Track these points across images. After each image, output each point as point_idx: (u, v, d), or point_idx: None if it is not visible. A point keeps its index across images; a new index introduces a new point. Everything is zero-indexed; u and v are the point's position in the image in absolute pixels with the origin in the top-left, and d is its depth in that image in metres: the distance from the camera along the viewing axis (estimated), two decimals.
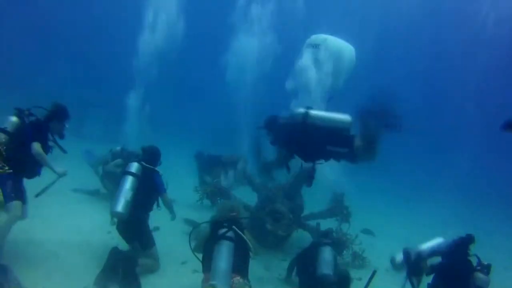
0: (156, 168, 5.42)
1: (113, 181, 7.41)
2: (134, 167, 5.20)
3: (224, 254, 4.22)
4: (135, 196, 5.03)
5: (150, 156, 5.48)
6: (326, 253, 5.32)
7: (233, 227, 4.47)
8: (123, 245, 5.30)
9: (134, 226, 5.15)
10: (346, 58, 8.29)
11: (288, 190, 7.49)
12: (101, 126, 15.58)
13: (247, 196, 8.31)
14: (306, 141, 5.19)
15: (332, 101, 8.06)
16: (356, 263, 7.33)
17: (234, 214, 4.78)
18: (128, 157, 7.62)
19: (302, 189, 7.70)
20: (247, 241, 4.47)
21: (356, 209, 8.15)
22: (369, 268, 7.17)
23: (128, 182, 5.03)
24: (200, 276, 5.46)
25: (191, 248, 4.74)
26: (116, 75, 22.30)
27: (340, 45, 8.32)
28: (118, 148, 8.11)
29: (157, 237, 6.51)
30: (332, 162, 5.62)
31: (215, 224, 4.64)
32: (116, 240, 5.53)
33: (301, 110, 5.30)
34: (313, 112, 5.21)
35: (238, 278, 4.27)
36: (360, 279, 6.46)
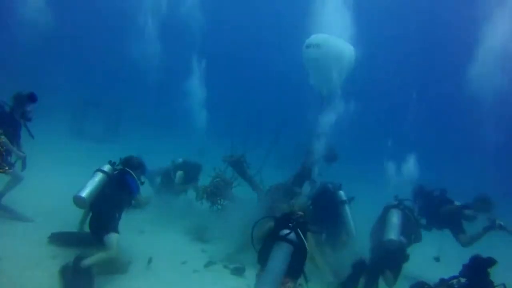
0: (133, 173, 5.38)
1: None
2: (106, 167, 5.32)
3: (279, 257, 4.18)
4: (103, 192, 5.07)
5: (131, 164, 5.49)
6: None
7: (297, 229, 4.39)
8: None
9: (103, 220, 5.00)
10: (346, 57, 8.29)
11: (288, 189, 7.49)
12: (101, 126, 15.62)
13: (247, 196, 8.31)
14: None
15: (331, 100, 8.06)
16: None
17: (301, 214, 4.63)
18: (190, 168, 8.36)
19: (302, 188, 7.69)
20: (307, 246, 4.38)
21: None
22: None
23: (97, 177, 5.13)
24: (200, 276, 5.52)
25: (253, 243, 4.58)
26: (116, 75, 22.41)
27: (340, 45, 8.32)
28: (180, 160, 8.54)
29: (157, 237, 6.57)
30: None
31: (280, 220, 4.56)
32: None
33: None
34: None
35: (289, 283, 4.19)
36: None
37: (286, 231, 4.33)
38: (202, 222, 7.31)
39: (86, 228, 5.27)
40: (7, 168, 3.51)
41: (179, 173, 8.35)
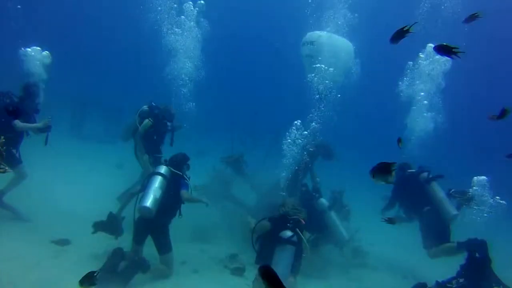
0: (184, 174, 5.37)
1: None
2: (163, 169, 5.24)
3: (285, 260, 4.36)
4: (162, 198, 5.02)
5: (177, 161, 5.45)
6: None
7: (297, 229, 4.53)
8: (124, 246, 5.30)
9: (156, 228, 5.08)
10: (342, 53, 8.30)
11: (287, 186, 7.49)
12: (101, 126, 15.60)
13: (246, 195, 8.32)
14: None
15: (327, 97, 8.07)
16: (356, 261, 7.31)
17: (301, 219, 4.72)
18: (159, 116, 6.80)
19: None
20: (306, 244, 4.57)
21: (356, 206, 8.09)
22: (370, 268, 7.15)
23: (157, 181, 5.05)
24: (200, 276, 5.51)
25: (252, 242, 4.68)
26: (116, 74, 22.39)
27: (335, 41, 8.34)
28: (145, 107, 6.90)
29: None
30: None
31: (279, 221, 4.64)
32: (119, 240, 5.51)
33: None
34: None
35: (291, 278, 4.40)
36: (361, 280, 6.46)
37: (289, 234, 4.45)
38: (202, 222, 7.32)
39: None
40: (7, 168, 3.50)
41: (146, 121, 6.68)
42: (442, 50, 3.15)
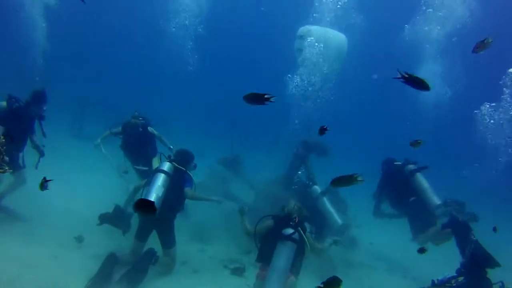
0: (188, 171, 5.39)
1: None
2: (166, 166, 5.23)
3: (286, 256, 4.38)
4: (166, 194, 5.01)
5: (182, 158, 5.49)
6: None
7: (299, 228, 4.57)
8: (123, 245, 5.31)
9: (161, 223, 5.10)
10: (332, 47, 8.33)
11: (285, 183, 7.52)
12: (101, 126, 15.59)
13: (244, 194, 8.33)
14: None
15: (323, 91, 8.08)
16: (355, 259, 7.24)
17: (296, 219, 4.74)
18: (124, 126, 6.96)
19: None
20: (308, 244, 4.60)
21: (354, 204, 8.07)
22: (370, 268, 7.15)
23: (160, 179, 5.04)
24: (200, 276, 5.53)
25: (255, 241, 4.73)
26: (116, 73, 22.36)
27: (325, 35, 8.38)
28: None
29: (157, 238, 6.54)
30: None
31: (282, 220, 4.69)
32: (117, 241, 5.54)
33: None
34: None
35: (292, 278, 4.43)
36: (361, 280, 6.46)
37: (290, 231, 4.49)
38: (201, 222, 7.32)
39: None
40: (6, 168, 3.52)
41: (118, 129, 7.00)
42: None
